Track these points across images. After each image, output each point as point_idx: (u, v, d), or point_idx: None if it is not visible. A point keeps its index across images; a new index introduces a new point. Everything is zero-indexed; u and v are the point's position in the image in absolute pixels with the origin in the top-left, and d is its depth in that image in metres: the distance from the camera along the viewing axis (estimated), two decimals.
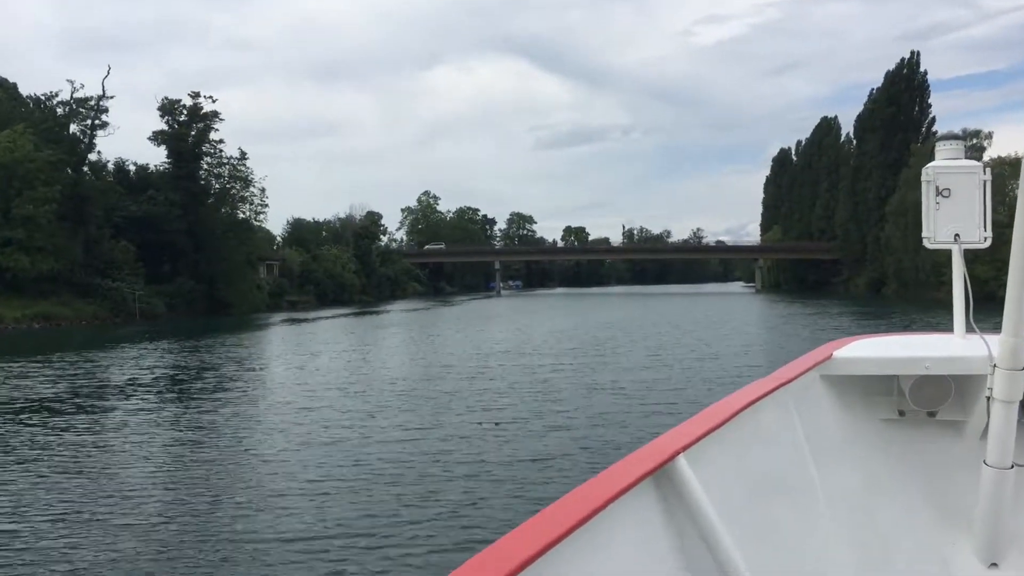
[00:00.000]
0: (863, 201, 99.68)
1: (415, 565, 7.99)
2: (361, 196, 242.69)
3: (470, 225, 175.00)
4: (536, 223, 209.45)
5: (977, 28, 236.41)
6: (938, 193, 3.72)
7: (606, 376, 22.23)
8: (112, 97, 68.43)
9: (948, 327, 3.79)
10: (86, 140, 65.67)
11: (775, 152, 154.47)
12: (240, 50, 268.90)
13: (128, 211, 65.73)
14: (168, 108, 73.92)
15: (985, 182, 3.73)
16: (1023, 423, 3.10)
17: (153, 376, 25.75)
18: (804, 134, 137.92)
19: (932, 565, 3.19)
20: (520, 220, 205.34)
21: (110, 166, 72.64)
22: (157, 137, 73.39)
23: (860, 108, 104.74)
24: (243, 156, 75.73)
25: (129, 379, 24.74)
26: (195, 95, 74.21)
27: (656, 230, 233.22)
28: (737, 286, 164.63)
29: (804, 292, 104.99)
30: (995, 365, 2.97)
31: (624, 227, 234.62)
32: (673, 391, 19.37)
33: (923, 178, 3.79)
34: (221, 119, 74.50)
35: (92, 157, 68.32)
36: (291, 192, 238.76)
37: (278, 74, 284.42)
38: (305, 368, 26.66)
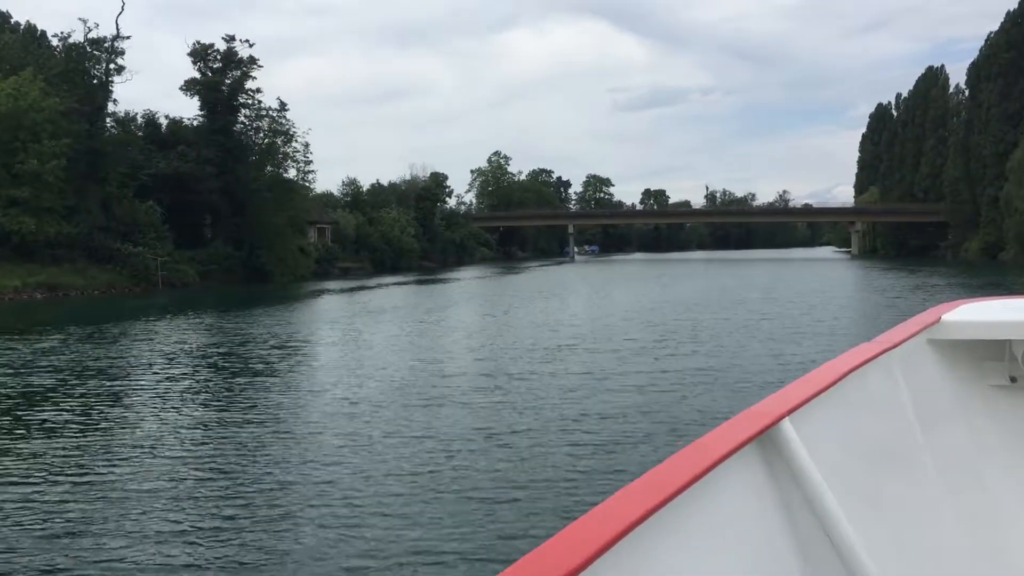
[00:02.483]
0: (977, 157, 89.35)
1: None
2: (434, 160, 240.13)
3: (544, 188, 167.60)
4: (613, 186, 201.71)
5: None
6: None
7: (702, 348, 20.89)
8: (128, 37, 61.13)
9: None
10: (102, 87, 59.22)
11: (860, 113, 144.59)
12: (315, 16, 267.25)
13: (157, 168, 59.83)
14: (200, 53, 66.86)
15: None
16: None
17: (129, 361, 20.83)
18: (889, 95, 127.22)
19: None
20: (597, 183, 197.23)
21: (139, 119, 66.30)
22: (188, 87, 66.71)
23: (956, 65, 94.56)
24: (283, 107, 69.14)
25: (107, 363, 20.21)
26: (229, 39, 67.44)
27: (739, 193, 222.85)
28: (828, 251, 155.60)
29: (907, 258, 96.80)
30: None
31: (707, 188, 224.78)
32: (776, 358, 19.07)
33: None
34: (259, 65, 68.05)
35: (114, 108, 62.58)
36: (367, 157, 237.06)
37: (353, 40, 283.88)
38: (323, 347, 24.00)
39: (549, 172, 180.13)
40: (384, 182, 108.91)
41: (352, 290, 54.16)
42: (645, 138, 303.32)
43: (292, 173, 71.35)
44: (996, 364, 3.41)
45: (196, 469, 10.34)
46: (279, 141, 68.89)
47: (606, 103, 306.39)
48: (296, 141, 69.62)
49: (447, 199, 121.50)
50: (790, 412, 2.09)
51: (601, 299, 40.65)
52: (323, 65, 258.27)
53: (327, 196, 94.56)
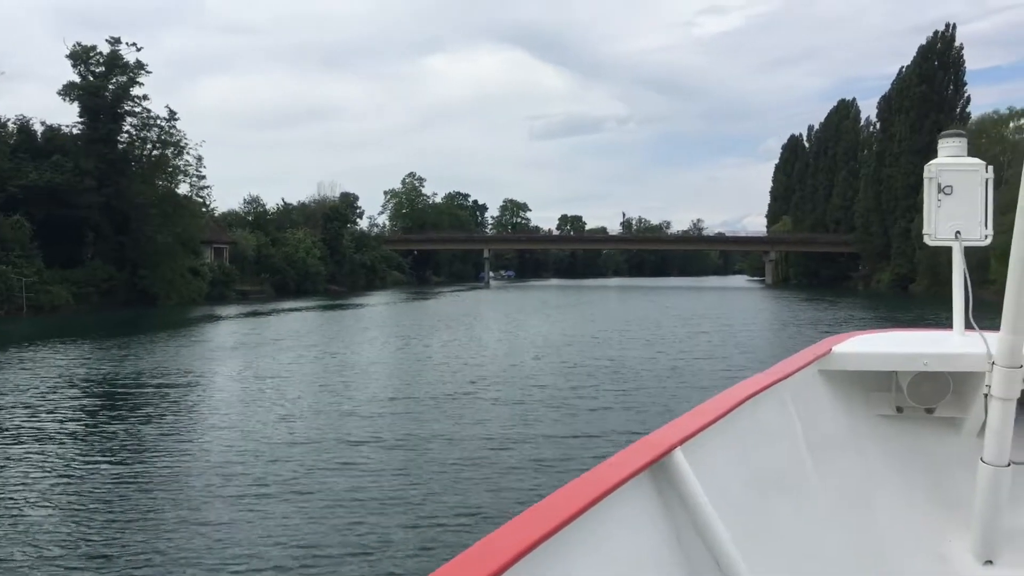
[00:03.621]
0: (888, 189, 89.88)
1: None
2: (353, 182, 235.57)
3: (460, 211, 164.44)
4: (531, 211, 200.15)
5: (981, 23, 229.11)
6: (940, 190, 3.75)
7: (614, 385, 20.01)
8: None
9: (965, 324, 3.68)
10: None
11: (772, 145, 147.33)
12: (235, 34, 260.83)
13: (28, 179, 53.77)
14: (81, 56, 60.60)
15: (987, 180, 3.73)
16: (1020, 421, 3.13)
17: None
18: (801, 128, 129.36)
19: (928, 561, 3.19)
20: (514, 208, 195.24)
21: (11, 125, 59.49)
22: (67, 92, 60.22)
23: (862, 101, 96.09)
24: (173, 116, 63.68)
25: None
26: (114, 40, 61.61)
27: (655, 221, 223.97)
28: (741, 280, 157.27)
29: (819, 288, 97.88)
30: (993, 362, 2.98)
31: (624, 215, 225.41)
32: (679, 388, 19.23)
33: (925, 175, 3.79)
34: (147, 71, 62.65)
35: None
36: (283, 178, 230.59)
37: (272, 60, 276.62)
38: (193, 381, 21.49)
39: (465, 195, 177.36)
40: (294, 202, 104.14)
41: (244, 316, 49.85)
42: (562, 165, 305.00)
43: (184, 189, 66.16)
44: (884, 394, 3.55)
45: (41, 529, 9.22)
46: (169, 153, 63.55)
47: (524, 130, 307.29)
48: (188, 154, 64.44)
49: (358, 220, 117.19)
50: (682, 442, 2.13)
51: (513, 331, 37.55)
52: (241, 84, 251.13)
53: (232, 215, 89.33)
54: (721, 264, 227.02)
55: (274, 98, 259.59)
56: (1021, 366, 2.92)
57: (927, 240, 3.83)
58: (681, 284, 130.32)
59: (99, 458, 12.62)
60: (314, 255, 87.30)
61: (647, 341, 31.09)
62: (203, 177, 66.26)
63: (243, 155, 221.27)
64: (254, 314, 51.26)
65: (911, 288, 79.84)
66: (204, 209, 71.11)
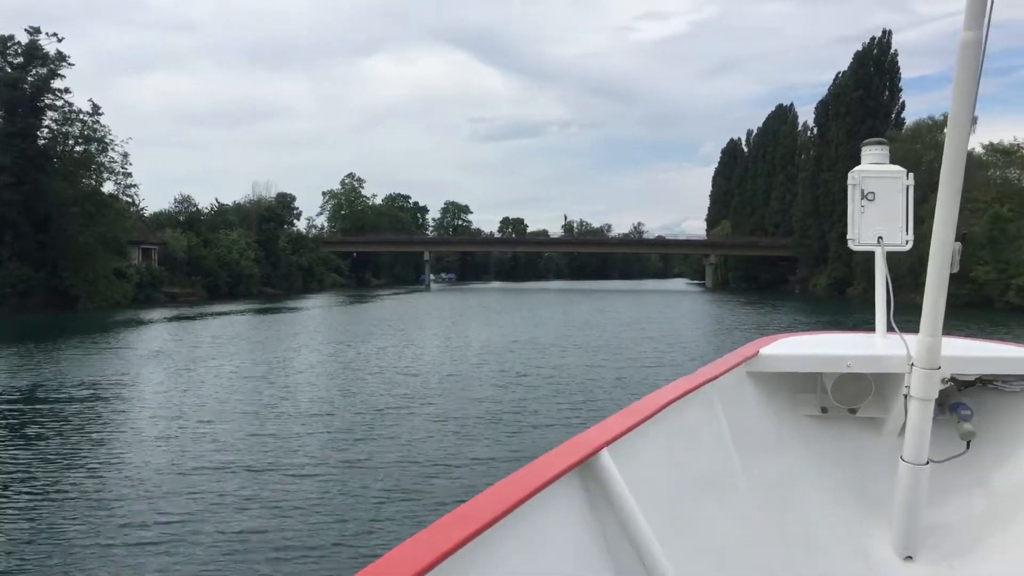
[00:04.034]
0: (826, 194, 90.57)
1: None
2: (293, 183, 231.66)
3: (400, 213, 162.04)
4: (472, 214, 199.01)
5: (910, 33, 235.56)
6: (863, 196, 3.82)
7: (553, 392, 19.69)
8: None
9: (887, 327, 3.76)
10: None
11: (710, 150, 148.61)
12: (175, 32, 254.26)
13: None
14: None
15: (908, 187, 3.82)
16: (938, 420, 3.17)
17: None
18: (739, 133, 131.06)
19: (851, 558, 3.22)
20: (455, 210, 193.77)
21: None
22: None
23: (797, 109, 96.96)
24: (97, 111, 60.79)
25: None
26: (34, 30, 58.58)
27: (596, 224, 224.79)
28: (681, 283, 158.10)
29: (758, 291, 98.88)
30: (912, 364, 3.03)
31: (566, 218, 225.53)
32: (624, 395, 18.34)
33: (849, 182, 3.86)
34: (70, 63, 59.69)
35: None
36: (223, 178, 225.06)
37: (214, 58, 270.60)
38: (105, 391, 19.93)
39: (406, 197, 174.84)
40: (229, 203, 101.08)
41: (170, 320, 47.70)
42: (504, 168, 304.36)
43: (110, 187, 63.24)
44: (809, 395, 3.61)
45: None
46: (93, 149, 60.61)
47: (467, 132, 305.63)
48: (113, 150, 61.56)
49: (295, 221, 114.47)
50: (609, 442, 2.16)
51: (452, 336, 36.26)
52: (179, 82, 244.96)
53: (163, 216, 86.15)
54: (661, 267, 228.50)
55: (213, 97, 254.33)
56: (939, 367, 2.98)
57: (851, 245, 3.90)
58: (622, 287, 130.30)
59: None
60: (248, 257, 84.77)
61: (590, 348, 30.26)
62: (129, 175, 63.43)
63: (180, 154, 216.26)
64: (180, 318, 49.12)
65: (848, 292, 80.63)
66: (134, 208, 68.33)
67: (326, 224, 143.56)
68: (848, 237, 3.88)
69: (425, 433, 14.31)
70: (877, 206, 3.81)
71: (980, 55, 2.53)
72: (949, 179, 2.71)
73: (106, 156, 61.27)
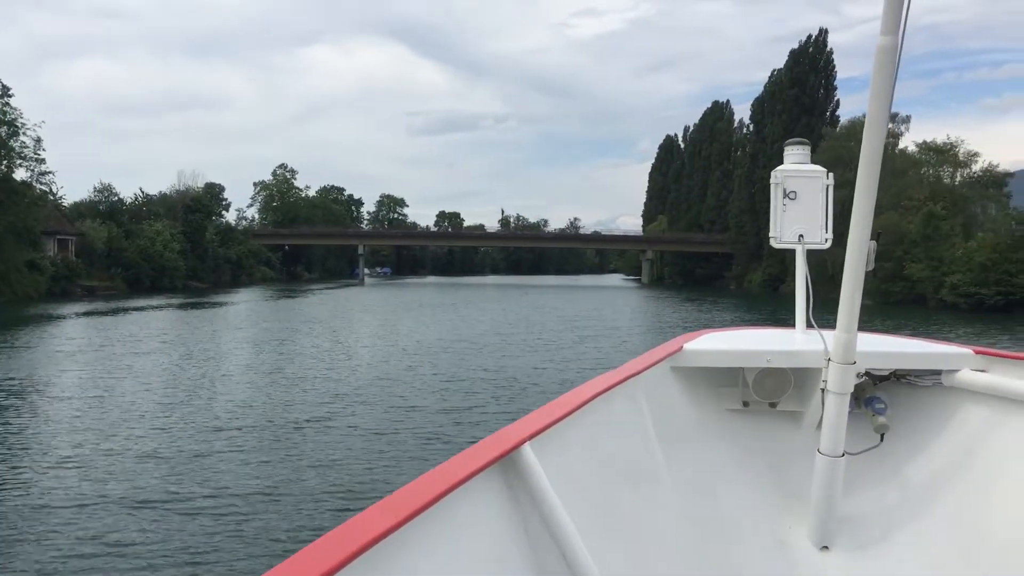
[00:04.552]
0: (762, 190, 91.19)
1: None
2: (227, 174, 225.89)
3: (334, 205, 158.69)
4: (408, 207, 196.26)
5: (841, 35, 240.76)
6: (785, 195, 3.88)
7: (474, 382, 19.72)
8: None
9: (806, 323, 3.80)
10: None
11: (645, 147, 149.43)
12: (107, 18, 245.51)
13: None
14: None
15: (828, 186, 3.89)
16: (854, 414, 3.26)
17: None
18: (675, 130, 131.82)
19: (769, 548, 3.26)
20: (391, 203, 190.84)
21: None
22: None
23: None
24: (6, 91, 57.03)
25: None
26: None
27: (532, 219, 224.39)
28: (616, 279, 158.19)
29: (693, 287, 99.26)
30: (829, 359, 3.08)
31: (502, 213, 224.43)
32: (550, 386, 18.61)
33: (772, 180, 3.93)
34: None
35: None
36: (155, 169, 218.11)
37: (148, 46, 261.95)
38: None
39: (340, 189, 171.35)
40: (155, 193, 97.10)
41: (84, 315, 44.96)
42: (441, 162, 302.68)
43: (22, 174, 59.69)
44: (731, 390, 3.68)
45: None
46: (3, 134, 56.93)
47: (404, 126, 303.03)
48: (25, 135, 58.03)
49: (224, 213, 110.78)
50: (531, 436, 2.16)
51: (384, 335, 34.55)
52: (113, 70, 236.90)
53: (84, 206, 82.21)
54: (597, 263, 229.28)
55: (144, 86, 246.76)
56: (854, 363, 3.02)
57: (773, 243, 3.95)
58: (559, 283, 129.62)
59: None
60: (172, 249, 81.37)
61: (528, 346, 29.06)
62: (43, 161, 60.01)
63: (108, 144, 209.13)
64: (96, 313, 46.37)
65: (781, 288, 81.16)
66: (50, 197, 64.78)
67: (257, 216, 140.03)
68: (770, 235, 3.92)
69: (348, 435, 13.78)
70: (798, 205, 3.87)
71: (896, 59, 2.58)
72: (865, 179, 2.76)
73: (17, 141, 57.73)
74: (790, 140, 4.10)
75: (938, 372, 3.49)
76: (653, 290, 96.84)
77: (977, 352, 3.48)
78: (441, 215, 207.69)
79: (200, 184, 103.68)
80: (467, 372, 21.79)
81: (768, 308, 54.23)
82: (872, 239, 2.89)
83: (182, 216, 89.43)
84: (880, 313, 45.02)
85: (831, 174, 3.91)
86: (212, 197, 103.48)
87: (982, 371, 3.42)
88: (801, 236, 3.83)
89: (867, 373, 3.47)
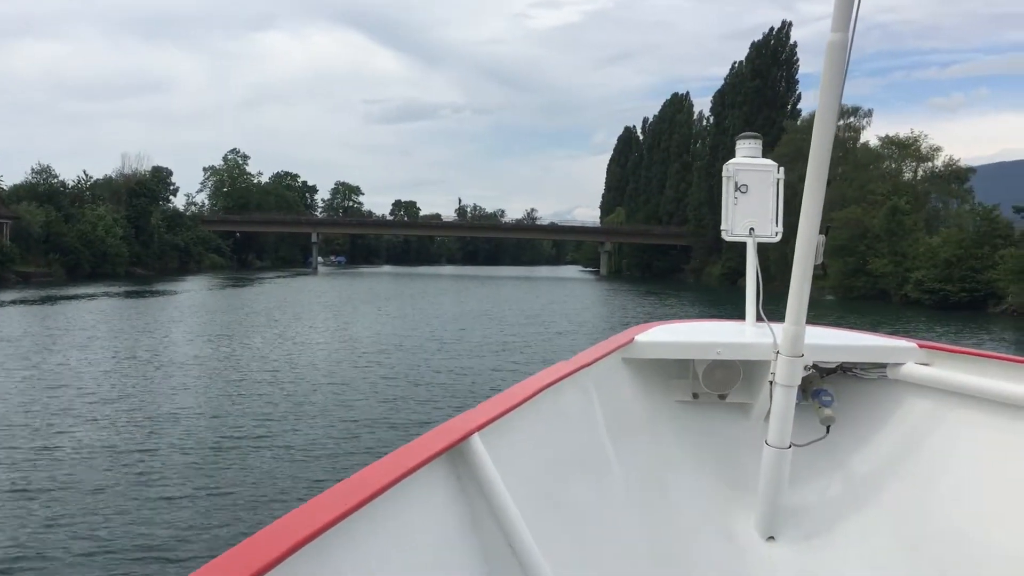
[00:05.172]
0: (721, 183, 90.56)
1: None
2: (177, 159, 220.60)
3: (287, 192, 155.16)
4: (363, 195, 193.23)
5: (796, 31, 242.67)
6: (736, 188, 3.88)
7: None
8: None
9: (756, 316, 3.75)
10: None
11: (602, 138, 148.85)
12: None
13: None
14: None
15: (778, 180, 3.91)
16: (801, 406, 3.25)
17: None
18: (632, 122, 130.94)
19: (717, 539, 3.27)
20: (346, 191, 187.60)
21: None
22: None
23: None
24: None
25: None
26: None
27: (489, 209, 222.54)
28: (573, 270, 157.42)
29: (651, 280, 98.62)
30: (778, 352, 3.07)
31: (459, 202, 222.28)
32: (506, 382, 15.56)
33: (724, 174, 3.91)
34: None
35: None
36: (100, 152, 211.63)
37: (97, 26, 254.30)
38: None
39: (294, 176, 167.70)
40: (99, 176, 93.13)
41: (16, 303, 42.36)
42: (398, 150, 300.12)
43: None
44: (681, 382, 3.69)
45: None
46: None
47: (360, 113, 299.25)
48: None
49: (171, 198, 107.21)
50: (481, 427, 2.16)
51: (336, 328, 32.61)
52: (59, 51, 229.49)
53: (23, 188, 78.33)
54: (553, 254, 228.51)
55: (93, 68, 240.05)
56: (802, 355, 3.02)
57: (724, 236, 3.95)
58: (515, 274, 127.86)
59: None
60: (115, 234, 78.15)
61: (486, 340, 27.72)
62: None
63: (54, 126, 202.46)
64: (28, 301, 43.81)
65: (739, 282, 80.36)
66: None
67: (207, 202, 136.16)
68: (722, 228, 3.94)
69: (295, 429, 13.44)
70: (749, 198, 3.88)
71: (846, 56, 2.60)
72: (814, 174, 2.77)
73: None
74: (742, 134, 4.09)
75: (883, 365, 3.50)
76: (612, 283, 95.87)
77: (921, 346, 3.51)
78: (397, 204, 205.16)
79: (147, 168, 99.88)
80: (420, 365, 20.98)
81: (728, 302, 53.36)
82: (821, 233, 2.89)
83: (126, 200, 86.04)
84: (842, 308, 44.17)
85: (782, 168, 3.94)
86: (159, 181, 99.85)
87: (926, 364, 3.44)
88: (752, 229, 3.87)
89: (815, 366, 3.48)
